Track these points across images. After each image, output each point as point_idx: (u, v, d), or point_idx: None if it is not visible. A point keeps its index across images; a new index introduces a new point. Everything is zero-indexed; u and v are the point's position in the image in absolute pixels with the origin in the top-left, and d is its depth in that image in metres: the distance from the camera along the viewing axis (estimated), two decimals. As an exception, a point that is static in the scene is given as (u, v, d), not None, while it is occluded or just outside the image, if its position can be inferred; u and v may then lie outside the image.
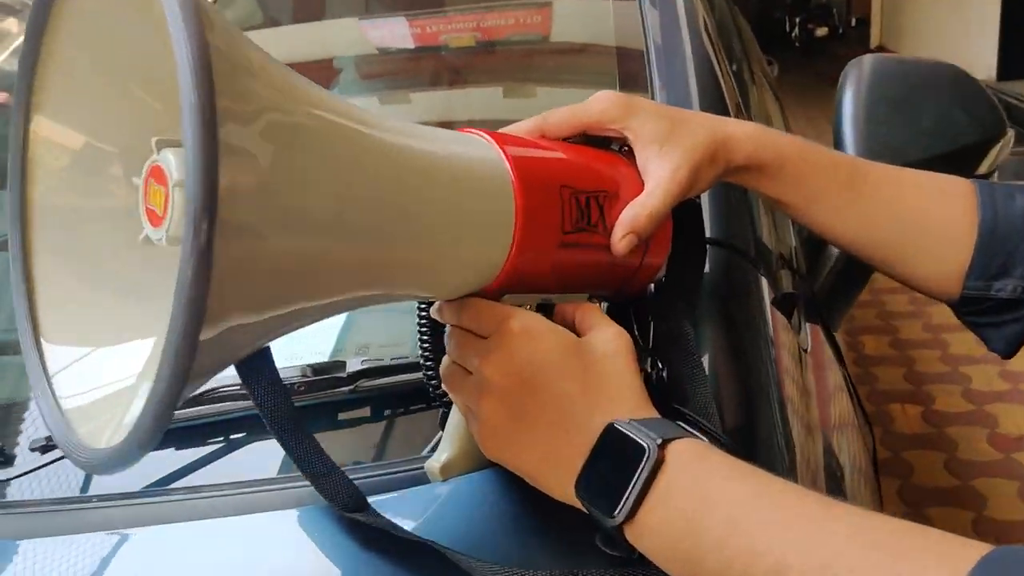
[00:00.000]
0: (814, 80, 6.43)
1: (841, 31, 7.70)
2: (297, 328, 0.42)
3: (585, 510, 0.44)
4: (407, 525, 0.51)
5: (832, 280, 0.96)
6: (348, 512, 0.51)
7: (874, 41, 7.03)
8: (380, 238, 0.42)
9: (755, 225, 0.76)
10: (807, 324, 0.84)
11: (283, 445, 0.50)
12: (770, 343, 0.66)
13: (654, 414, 0.46)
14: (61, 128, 0.43)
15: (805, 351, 0.78)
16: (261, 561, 0.53)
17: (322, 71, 1.19)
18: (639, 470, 0.41)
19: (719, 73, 0.96)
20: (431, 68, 1.32)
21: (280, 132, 0.35)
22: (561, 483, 0.45)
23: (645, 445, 0.42)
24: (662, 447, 0.42)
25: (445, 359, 0.51)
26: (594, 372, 0.47)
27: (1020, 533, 1.81)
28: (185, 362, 0.31)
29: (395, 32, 1.41)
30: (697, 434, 0.46)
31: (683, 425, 0.47)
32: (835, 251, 0.99)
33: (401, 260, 0.44)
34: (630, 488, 0.41)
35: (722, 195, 0.73)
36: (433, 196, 0.44)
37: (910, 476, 2.04)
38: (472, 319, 0.49)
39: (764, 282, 0.71)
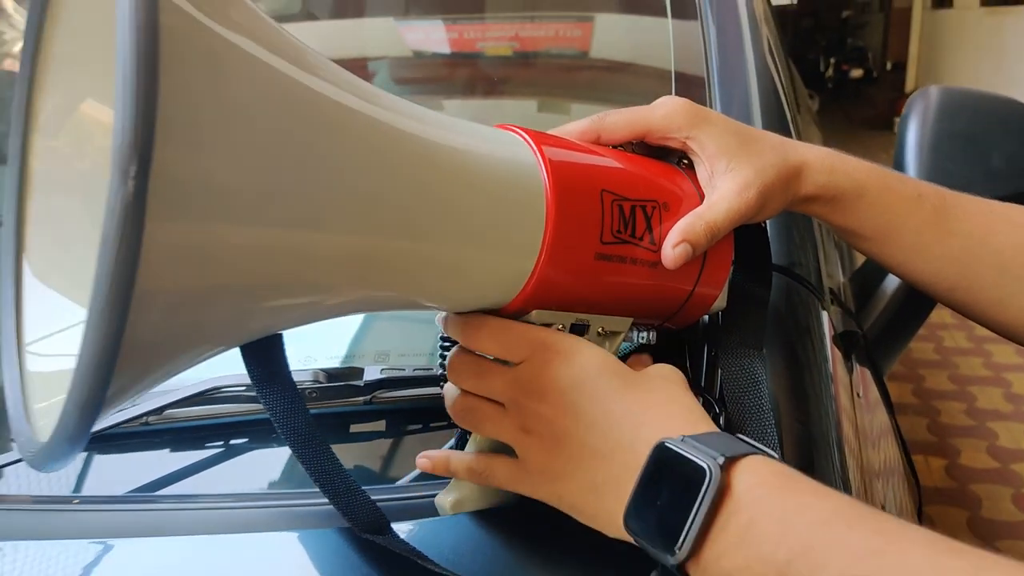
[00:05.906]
0: (844, 124, 6.32)
1: (876, 75, 7.64)
2: (280, 326, 0.37)
3: (638, 545, 0.38)
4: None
5: (884, 321, 0.90)
6: (370, 533, 0.45)
7: (909, 86, 6.97)
8: (378, 234, 0.36)
9: (818, 254, 0.69)
10: (857, 365, 0.78)
11: (300, 458, 0.44)
12: (830, 381, 0.60)
13: (713, 428, 0.40)
14: (61, 99, 0.38)
15: (858, 395, 0.72)
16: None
17: (356, 71, 1.14)
18: (699, 497, 0.35)
19: (783, 101, 0.90)
20: (466, 76, 1.27)
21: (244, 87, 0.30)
22: (612, 516, 0.39)
23: (705, 466, 0.35)
24: (726, 468, 0.35)
25: (452, 390, 0.46)
26: (643, 389, 0.41)
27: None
28: (108, 338, 0.25)
29: (432, 36, 1.36)
30: (766, 449, 0.38)
31: (745, 439, 0.39)
32: (889, 289, 0.93)
33: (403, 263, 0.38)
34: (690, 520, 0.35)
35: (784, 218, 0.67)
36: (448, 193, 0.39)
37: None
38: (498, 344, 0.43)
39: (825, 317, 0.65)
